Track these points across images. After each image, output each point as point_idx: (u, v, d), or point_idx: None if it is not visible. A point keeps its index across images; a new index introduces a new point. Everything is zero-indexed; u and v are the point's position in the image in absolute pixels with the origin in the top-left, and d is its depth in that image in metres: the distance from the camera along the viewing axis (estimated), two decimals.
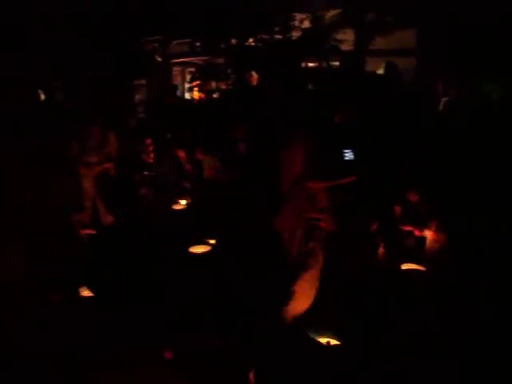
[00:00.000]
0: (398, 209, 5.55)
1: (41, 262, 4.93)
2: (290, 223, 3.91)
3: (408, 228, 5.39)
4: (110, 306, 4.39)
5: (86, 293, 4.66)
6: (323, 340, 3.64)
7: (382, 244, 5.19)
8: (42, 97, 12.31)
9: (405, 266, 5.02)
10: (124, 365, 3.61)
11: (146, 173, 7.65)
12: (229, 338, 3.74)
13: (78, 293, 4.63)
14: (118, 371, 3.55)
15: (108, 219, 6.33)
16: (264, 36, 10.28)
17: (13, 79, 10.39)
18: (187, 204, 6.92)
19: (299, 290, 3.75)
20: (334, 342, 3.67)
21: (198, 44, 11.07)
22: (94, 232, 6.03)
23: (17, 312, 4.23)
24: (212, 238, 5.72)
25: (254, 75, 8.57)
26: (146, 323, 4.06)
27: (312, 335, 3.67)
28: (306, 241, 3.82)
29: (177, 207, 6.89)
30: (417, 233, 5.31)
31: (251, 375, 3.27)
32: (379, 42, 10.48)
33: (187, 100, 11.51)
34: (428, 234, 5.24)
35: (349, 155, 3.97)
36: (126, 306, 4.37)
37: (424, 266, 5.02)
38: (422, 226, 5.27)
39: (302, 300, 3.75)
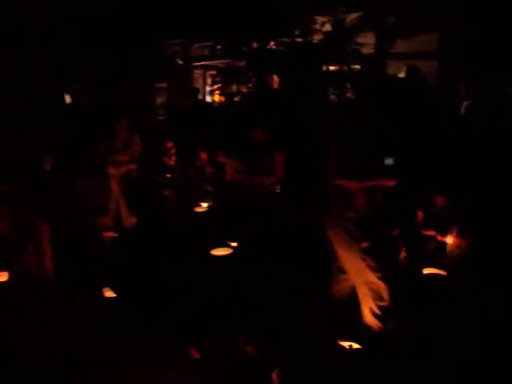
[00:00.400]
0: (420, 213, 5.54)
1: (66, 263, 5.02)
2: (331, 222, 3.92)
3: (430, 233, 5.38)
4: (132, 307, 4.45)
5: (108, 293, 4.72)
6: (345, 344, 3.66)
7: (404, 248, 5.18)
8: (68, 99, 12.49)
9: (426, 271, 5.02)
10: (148, 365, 3.65)
11: (167, 175, 7.72)
12: (252, 338, 3.77)
13: (101, 293, 4.68)
14: (142, 371, 3.59)
15: (131, 221, 6.39)
16: (285, 39, 10.28)
17: (39, 81, 10.57)
18: (209, 206, 6.96)
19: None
20: (355, 345, 3.69)
21: (219, 47, 11.10)
22: (116, 235, 6.10)
23: (43, 312, 4.30)
24: (234, 241, 5.75)
25: (275, 78, 8.60)
26: (170, 324, 4.10)
27: (335, 338, 3.70)
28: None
29: (198, 209, 6.94)
30: (439, 237, 5.30)
31: (274, 375, 3.30)
32: (400, 46, 10.45)
33: (208, 103, 11.57)
34: (449, 238, 5.23)
35: (388, 161, 3.93)
36: (149, 306, 4.42)
37: (445, 271, 5.01)
38: (445, 230, 5.25)
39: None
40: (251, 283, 4.65)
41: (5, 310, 4.28)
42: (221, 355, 3.67)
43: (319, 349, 3.58)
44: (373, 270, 3.77)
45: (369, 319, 3.78)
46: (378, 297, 3.75)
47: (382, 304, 3.76)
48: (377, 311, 3.74)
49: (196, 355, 3.71)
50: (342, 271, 4.01)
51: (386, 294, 3.79)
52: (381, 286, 3.75)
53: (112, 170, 6.20)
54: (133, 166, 6.34)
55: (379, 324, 3.74)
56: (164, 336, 3.97)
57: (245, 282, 4.68)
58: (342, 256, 3.92)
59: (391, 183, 3.86)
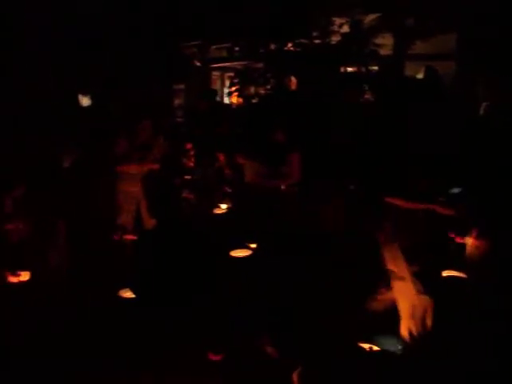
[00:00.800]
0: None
1: (81, 263, 5.09)
2: (386, 238, 3.87)
3: (449, 234, 5.34)
4: (151, 308, 4.48)
5: (127, 294, 4.76)
6: (365, 346, 3.68)
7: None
8: (87, 101, 12.58)
9: (445, 273, 4.99)
10: (168, 366, 3.68)
11: (186, 177, 7.76)
12: (273, 338, 3.80)
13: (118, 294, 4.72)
14: (163, 373, 3.63)
15: (151, 223, 6.41)
16: (303, 41, 10.29)
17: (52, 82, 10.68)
18: (228, 208, 7.00)
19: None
20: (375, 347, 3.70)
21: (236, 49, 11.13)
22: (135, 237, 6.12)
23: (56, 313, 4.37)
24: (253, 242, 5.77)
25: (293, 80, 8.61)
26: (189, 325, 4.13)
27: (356, 341, 3.71)
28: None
29: (218, 211, 6.97)
30: (458, 239, 5.27)
31: (295, 376, 3.33)
32: (418, 47, 10.43)
33: (226, 104, 11.61)
34: (469, 240, 5.19)
35: (455, 190, 3.80)
36: (167, 307, 4.45)
37: (465, 274, 4.98)
38: (464, 232, 5.22)
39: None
40: (271, 284, 4.67)
41: (25, 309, 4.36)
42: (242, 356, 3.71)
43: (339, 350, 3.60)
44: (420, 294, 3.74)
45: (405, 336, 3.77)
46: (420, 322, 3.74)
47: (421, 327, 3.74)
48: (414, 333, 3.73)
49: (213, 357, 3.73)
50: (383, 288, 3.98)
51: (429, 321, 3.76)
52: (427, 313, 3.72)
53: (133, 168, 6.18)
54: (155, 166, 6.34)
55: (413, 343, 3.72)
56: (183, 337, 3.99)
57: (264, 283, 4.70)
58: (393, 273, 3.89)
59: (447, 211, 3.73)
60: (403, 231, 3.79)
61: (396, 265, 3.81)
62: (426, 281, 3.83)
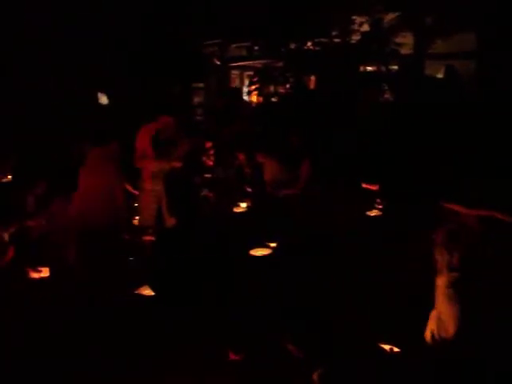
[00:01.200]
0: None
1: (96, 262, 5.14)
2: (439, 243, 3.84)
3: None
4: (171, 306, 4.48)
5: (147, 292, 4.74)
6: (386, 347, 3.69)
7: None
8: (105, 100, 12.71)
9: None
10: (188, 365, 3.70)
11: (206, 175, 7.80)
12: (294, 338, 3.81)
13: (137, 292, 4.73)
14: (183, 372, 3.64)
15: (171, 221, 6.41)
16: (323, 40, 10.30)
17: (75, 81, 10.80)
18: (247, 207, 7.02)
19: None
20: (396, 349, 3.71)
21: (256, 48, 11.15)
22: (153, 237, 6.14)
23: (80, 309, 4.40)
24: (272, 241, 5.79)
25: (312, 79, 8.63)
26: (208, 324, 4.14)
27: (376, 341, 3.72)
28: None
29: (237, 210, 7.00)
30: None
31: (315, 376, 3.35)
32: (439, 46, 10.38)
33: (247, 103, 11.63)
34: None
35: None
36: (187, 306, 4.46)
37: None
38: None
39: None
40: (291, 283, 4.68)
41: (44, 305, 4.40)
42: (261, 355, 3.72)
43: (360, 351, 3.62)
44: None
45: (427, 339, 3.77)
46: (443, 329, 3.72)
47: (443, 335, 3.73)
48: (436, 337, 3.72)
49: (233, 357, 3.75)
50: None
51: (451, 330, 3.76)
52: (449, 324, 3.70)
53: (156, 168, 6.13)
54: (178, 165, 6.32)
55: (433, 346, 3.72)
56: (201, 336, 3.99)
57: (285, 283, 4.71)
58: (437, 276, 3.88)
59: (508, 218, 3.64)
60: (459, 237, 3.76)
61: (441, 272, 3.79)
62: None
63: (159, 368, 3.72)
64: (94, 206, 5.33)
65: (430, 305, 3.73)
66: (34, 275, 4.84)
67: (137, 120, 6.62)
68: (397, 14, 10.60)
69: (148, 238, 6.00)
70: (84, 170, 5.61)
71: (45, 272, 4.86)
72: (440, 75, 9.28)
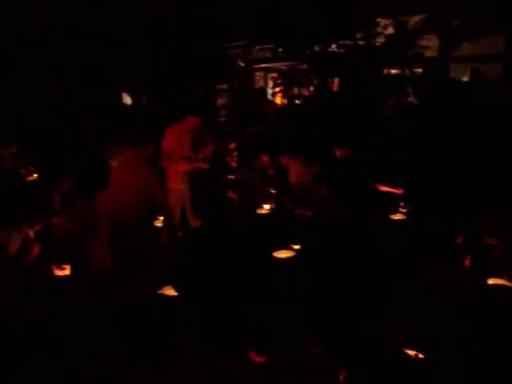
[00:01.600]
0: (484, 220, 5.45)
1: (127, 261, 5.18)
2: None
3: (493, 241, 5.28)
4: (193, 307, 4.48)
5: (170, 292, 4.75)
6: (411, 352, 3.68)
7: (469, 257, 5.13)
8: (129, 100, 12.85)
9: (491, 281, 4.94)
10: (211, 365, 3.72)
11: (230, 176, 7.83)
12: (320, 339, 3.82)
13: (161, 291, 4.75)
14: (205, 373, 3.67)
15: (196, 222, 6.43)
16: (347, 42, 10.27)
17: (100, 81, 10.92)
18: (271, 208, 7.03)
19: None
20: (421, 355, 3.69)
21: (280, 50, 11.15)
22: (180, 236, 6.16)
23: (101, 308, 4.43)
24: (296, 243, 5.79)
25: (336, 81, 8.62)
26: (231, 325, 4.15)
27: (401, 347, 3.72)
28: None
29: (261, 211, 7.01)
30: (504, 246, 5.20)
31: (341, 377, 3.36)
32: (464, 48, 10.29)
33: (272, 104, 11.64)
34: None
35: None
36: (210, 306, 4.47)
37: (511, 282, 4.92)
38: (510, 238, 5.16)
39: None
40: (315, 285, 4.68)
41: (65, 303, 4.41)
42: (286, 357, 3.73)
43: (385, 354, 3.62)
44: None
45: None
46: None
47: None
48: None
49: (256, 358, 3.76)
50: None
51: None
52: None
53: (182, 166, 6.14)
54: (204, 165, 6.33)
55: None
56: (224, 337, 3.99)
57: (308, 285, 4.71)
58: None
59: None
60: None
61: None
62: None
63: (179, 367, 3.71)
64: (127, 203, 5.32)
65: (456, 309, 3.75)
66: (58, 272, 4.91)
67: (163, 120, 6.65)
68: (422, 16, 10.52)
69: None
70: (118, 169, 5.62)
71: (68, 270, 4.94)
72: (465, 78, 9.18)
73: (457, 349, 3.75)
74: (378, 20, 10.47)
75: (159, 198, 5.54)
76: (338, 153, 6.05)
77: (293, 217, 6.42)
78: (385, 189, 6.00)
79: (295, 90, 10.46)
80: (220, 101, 13.48)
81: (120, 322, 4.24)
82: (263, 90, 10.02)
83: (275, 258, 5.58)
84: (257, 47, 12.73)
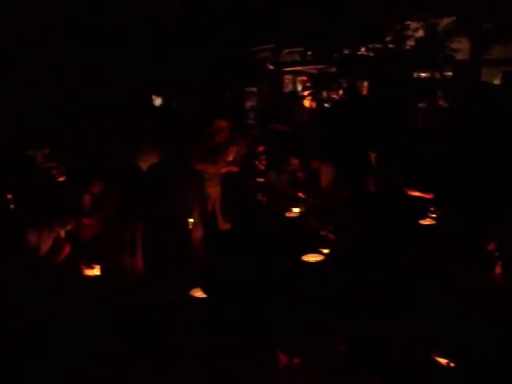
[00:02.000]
0: None
1: (158, 263, 5.24)
2: None
3: None
4: (222, 309, 4.52)
5: (198, 294, 4.78)
6: (443, 361, 3.68)
7: (500, 263, 5.08)
8: (159, 102, 12.96)
9: None
10: (240, 366, 3.76)
11: (259, 179, 7.85)
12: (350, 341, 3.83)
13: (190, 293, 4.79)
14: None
15: (225, 226, 6.49)
16: (377, 45, 10.25)
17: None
18: (300, 212, 7.04)
19: None
20: (452, 364, 3.69)
21: (309, 53, 11.17)
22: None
23: (129, 309, 4.49)
24: (325, 248, 5.80)
25: (366, 85, 8.60)
26: (260, 326, 4.18)
27: (432, 355, 3.72)
28: None
29: (290, 215, 7.03)
30: None
31: (377, 380, 3.38)
32: (496, 51, 10.17)
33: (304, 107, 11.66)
34: None
35: None
36: (239, 308, 4.51)
37: None
38: None
39: None
40: (345, 289, 4.69)
41: (94, 303, 4.50)
42: (315, 358, 3.75)
43: (416, 361, 3.62)
44: None
45: None
46: None
47: None
48: None
49: (284, 359, 3.78)
50: None
51: None
52: None
53: (211, 169, 6.19)
54: (234, 169, 6.35)
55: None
56: (253, 339, 4.01)
57: (338, 288, 4.72)
58: None
59: None
60: None
61: None
62: None
63: (208, 368, 3.73)
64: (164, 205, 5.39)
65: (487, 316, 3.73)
66: (88, 272, 4.98)
67: (192, 123, 6.70)
68: (452, 18, 10.43)
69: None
70: (153, 171, 5.69)
71: (98, 270, 5.01)
72: (497, 81, 9.10)
73: (487, 357, 3.74)
74: (408, 23, 10.42)
75: (195, 201, 5.61)
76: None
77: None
78: (414, 193, 5.98)
79: (324, 94, 10.47)
80: (249, 103, 13.53)
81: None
82: (294, 93, 10.03)
83: (304, 261, 5.56)
84: (286, 50, 12.76)
